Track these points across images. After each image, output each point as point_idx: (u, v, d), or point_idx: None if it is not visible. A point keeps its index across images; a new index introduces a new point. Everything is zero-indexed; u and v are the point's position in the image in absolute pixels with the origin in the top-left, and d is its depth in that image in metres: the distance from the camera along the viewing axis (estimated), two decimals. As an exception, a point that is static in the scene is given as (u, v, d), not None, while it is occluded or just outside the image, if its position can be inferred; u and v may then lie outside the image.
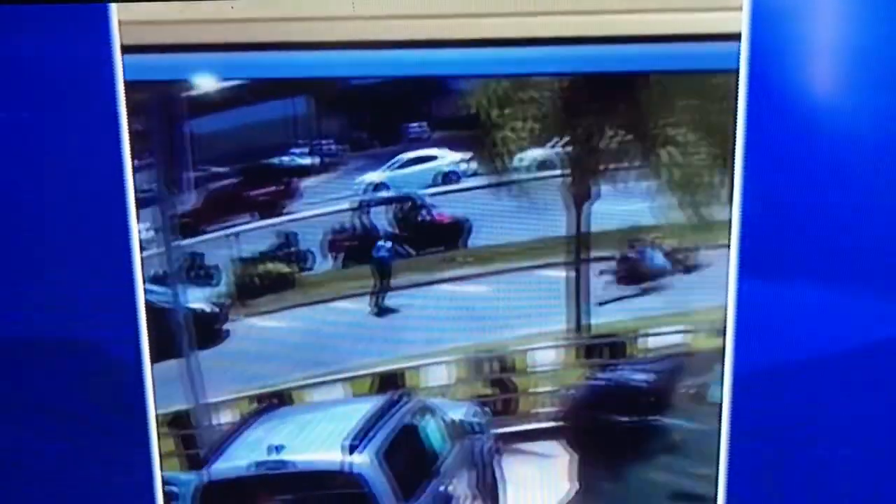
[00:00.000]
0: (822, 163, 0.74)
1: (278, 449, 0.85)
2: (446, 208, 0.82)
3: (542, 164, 0.79)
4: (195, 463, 0.87)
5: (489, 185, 0.80)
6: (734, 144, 0.74)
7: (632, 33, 0.73)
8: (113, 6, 0.76)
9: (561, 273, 0.82)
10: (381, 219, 0.82)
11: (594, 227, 0.80)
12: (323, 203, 0.81)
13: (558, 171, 0.79)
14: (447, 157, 0.80)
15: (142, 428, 0.85)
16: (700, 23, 0.72)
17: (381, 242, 0.83)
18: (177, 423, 0.85)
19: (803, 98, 0.73)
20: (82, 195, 0.80)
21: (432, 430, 0.86)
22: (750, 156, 0.74)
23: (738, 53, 0.72)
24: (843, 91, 0.73)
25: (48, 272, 0.82)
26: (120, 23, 0.76)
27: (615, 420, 0.84)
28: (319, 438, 0.86)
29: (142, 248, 0.81)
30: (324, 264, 0.82)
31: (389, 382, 0.85)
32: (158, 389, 0.84)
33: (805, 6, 0.71)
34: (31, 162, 0.80)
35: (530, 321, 0.83)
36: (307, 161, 0.80)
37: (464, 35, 0.74)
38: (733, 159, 0.75)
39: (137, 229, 0.81)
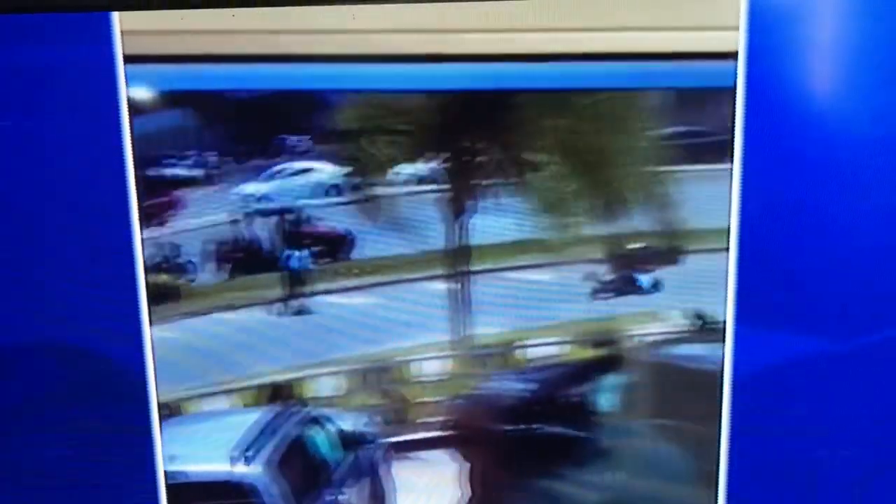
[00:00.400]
0: (816, 174, 0.75)
1: (171, 459, 0.86)
2: (330, 220, 0.83)
3: (421, 179, 0.81)
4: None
5: (371, 198, 0.82)
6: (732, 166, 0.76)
7: (626, 50, 0.75)
8: (115, 14, 0.78)
9: (444, 285, 0.83)
10: (266, 230, 0.84)
11: (474, 241, 0.82)
12: (206, 214, 0.83)
13: (436, 186, 0.81)
14: (329, 170, 0.82)
15: (146, 432, 0.86)
16: (696, 41, 0.74)
17: (288, 252, 0.84)
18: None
19: (800, 121, 0.74)
20: (84, 201, 0.82)
21: (323, 440, 0.88)
22: (748, 169, 0.76)
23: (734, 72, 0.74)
24: (843, 116, 0.74)
25: (50, 277, 0.83)
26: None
27: (501, 428, 0.86)
28: (211, 448, 0.87)
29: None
30: (210, 275, 0.84)
31: (280, 393, 0.86)
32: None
33: (802, 26, 0.73)
34: (35, 168, 0.81)
35: (416, 332, 0.85)
36: (190, 172, 0.81)
37: (455, 50, 0.77)
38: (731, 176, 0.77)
39: (140, 234, 0.82)
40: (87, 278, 0.83)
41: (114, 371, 0.85)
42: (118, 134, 0.80)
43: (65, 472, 0.88)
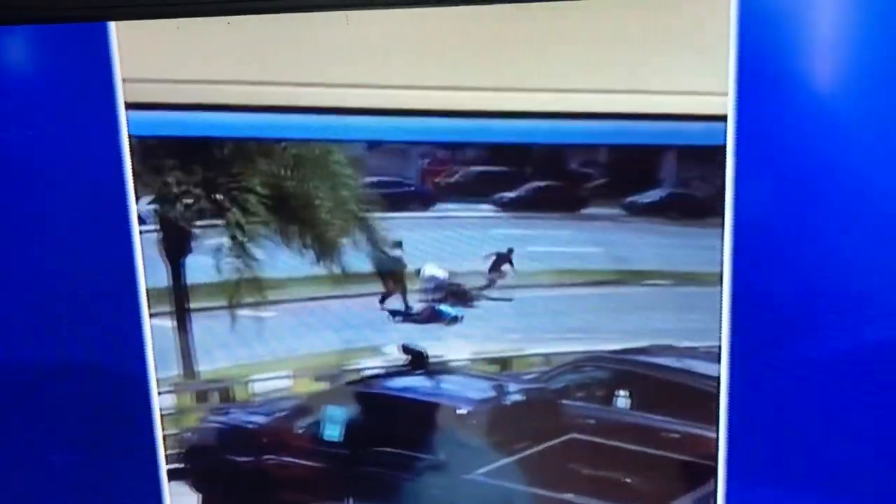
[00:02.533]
0: (805, 215, 0.76)
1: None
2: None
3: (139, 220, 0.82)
4: None
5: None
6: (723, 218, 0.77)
7: (624, 111, 0.76)
8: (112, 24, 0.77)
9: (167, 322, 0.85)
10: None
11: (191, 280, 0.84)
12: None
13: (151, 227, 0.82)
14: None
15: (150, 446, 0.87)
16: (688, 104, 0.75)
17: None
18: None
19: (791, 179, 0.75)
20: (86, 215, 0.82)
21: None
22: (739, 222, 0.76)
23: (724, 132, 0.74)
24: (832, 175, 0.74)
25: (52, 293, 0.84)
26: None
27: (232, 460, 0.89)
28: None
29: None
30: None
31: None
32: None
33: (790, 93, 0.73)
34: (36, 181, 0.82)
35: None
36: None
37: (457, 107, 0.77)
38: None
39: (141, 247, 0.82)
40: (89, 293, 0.83)
41: (116, 383, 0.86)
42: (117, 144, 0.80)
43: (70, 483, 0.88)
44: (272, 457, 0.88)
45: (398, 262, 0.82)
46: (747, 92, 0.73)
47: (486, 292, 0.82)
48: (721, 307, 0.78)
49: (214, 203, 0.81)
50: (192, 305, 0.84)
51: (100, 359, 0.85)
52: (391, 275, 0.83)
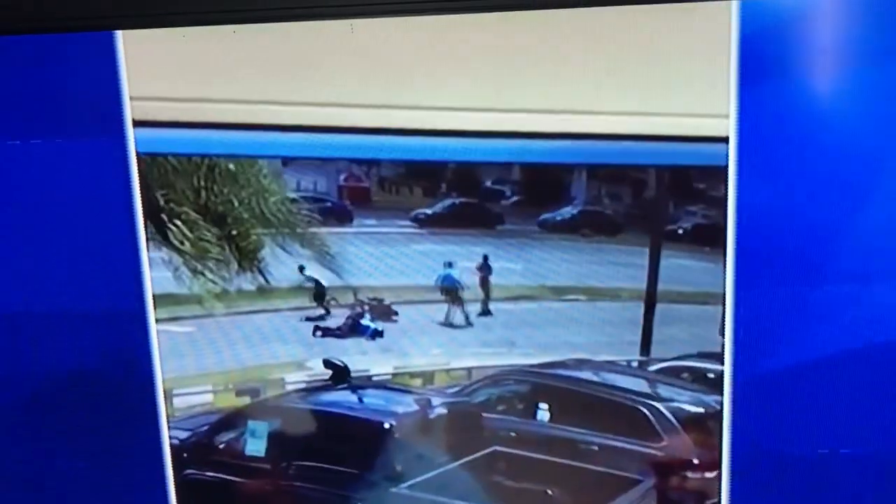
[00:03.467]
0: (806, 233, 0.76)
1: None
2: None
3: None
4: None
5: None
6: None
7: (626, 132, 0.76)
8: (119, 33, 0.78)
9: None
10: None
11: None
12: None
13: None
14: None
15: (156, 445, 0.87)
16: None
17: None
18: None
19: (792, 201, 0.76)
20: (92, 216, 0.82)
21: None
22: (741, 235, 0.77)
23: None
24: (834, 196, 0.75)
25: (58, 292, 0.84)
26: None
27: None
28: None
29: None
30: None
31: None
32: None
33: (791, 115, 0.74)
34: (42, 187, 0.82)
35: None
36: None
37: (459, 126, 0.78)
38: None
39: (147, 249, 0.83)
40: (95, 292, 0.84)
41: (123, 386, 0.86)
42: (125, 152, 0.81)
43: (76, 486, 0.88)
44: (194, 472, 0.88)
45: (319, 277, 0.83)
46: (748, 113, 0.74)
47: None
48: (723, 325, 0.78)
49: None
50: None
51: (106, 367, 0.86)
52: (312, 290, 0.84)
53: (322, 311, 0.84)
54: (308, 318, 0.84)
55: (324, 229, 0.82)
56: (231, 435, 0.87)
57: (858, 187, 0.75)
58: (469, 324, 0.82)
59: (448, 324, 0.83)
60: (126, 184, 0.82)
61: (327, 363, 0.85)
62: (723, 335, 0.78)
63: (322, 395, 0.86)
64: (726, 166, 0.75)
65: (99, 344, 0.85)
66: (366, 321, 0.84)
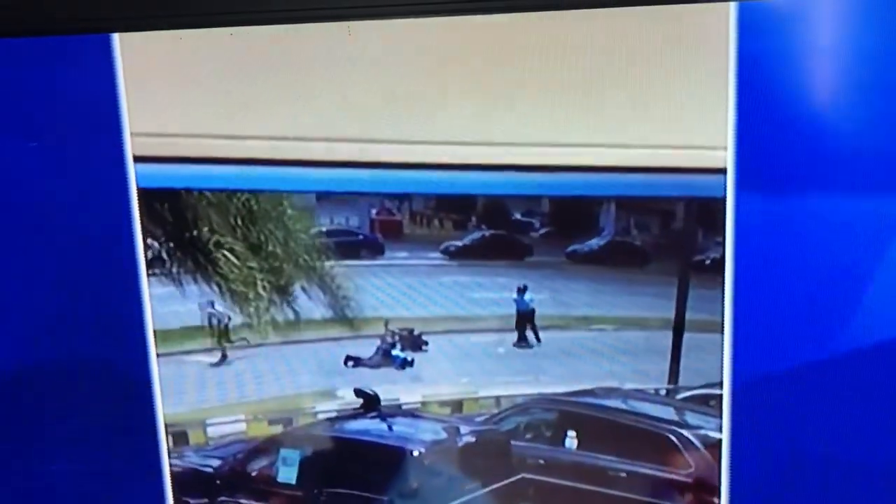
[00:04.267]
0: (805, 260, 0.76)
1: None
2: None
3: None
4: None
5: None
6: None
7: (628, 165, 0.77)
8: (116, 36, 0.78)
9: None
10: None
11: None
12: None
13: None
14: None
15: (153, 449, 0.88)
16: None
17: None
18: None
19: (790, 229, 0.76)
20: (90, 219, 0.83)
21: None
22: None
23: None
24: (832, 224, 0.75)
25: (56, 297, 0.85)
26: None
27: (188, 503, 0.90)
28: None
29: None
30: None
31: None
32: None
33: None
34: (39, 188, 0.83)
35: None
36: None
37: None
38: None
39: (144, 253, 0.83)
40: (93, 297, 0.84)
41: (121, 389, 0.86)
42: (121, 150, 0.81)
43: (74, 488, 0.89)
44: (227, 499, 0.89)
45: (350, 309, 0.84)
46: (746, 144, 0.74)
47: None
48: (722, 352, 0.79)
49: (168, 251, 0.84)
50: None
51: (104, 370, 0.86)
52: (344, 321, 0.85)
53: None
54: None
55: (356, 262, 0.83)
56: (263, 463, 0.89)
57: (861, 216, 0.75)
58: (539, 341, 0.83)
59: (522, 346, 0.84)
60: (123, 187, 0.82)
61: (358, 392, 0.86)
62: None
63: (353, 424, 0.88)
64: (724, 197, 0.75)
65: (96, 346, 0.86)
66: (396, 351, 0.85)
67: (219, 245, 0.84)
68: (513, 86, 0.77)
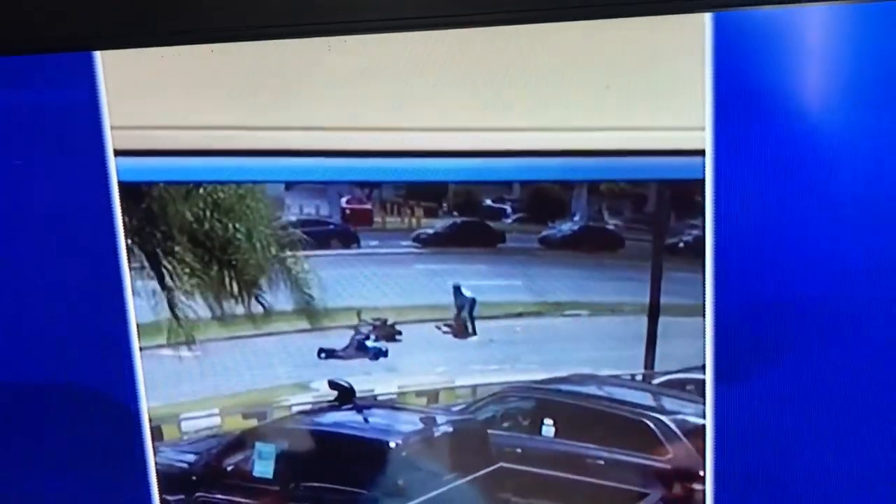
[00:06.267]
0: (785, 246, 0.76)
1: None
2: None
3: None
4: None
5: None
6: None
7: (603, 148, 0.76)
8: (98, 54, 0.78)
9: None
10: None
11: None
12: None
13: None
14: None
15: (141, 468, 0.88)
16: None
17: None
18: None
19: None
20: (74, 238, 0.83)
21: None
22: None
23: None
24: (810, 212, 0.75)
25: (42, 318, 0.85)
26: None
27: (163, 498, 0.89)
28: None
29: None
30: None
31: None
32: None
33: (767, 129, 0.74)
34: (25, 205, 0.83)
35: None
36: None
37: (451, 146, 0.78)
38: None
39: (129, 272, 0.83)
40: (79, 317, 0.84)
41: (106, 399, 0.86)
42: (104, 169, 0.81)
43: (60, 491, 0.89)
44: (203, 495, 0.89)
45: (322, 299, 0.84)
46: (724, 126, 0.74)
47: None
48: (704, 338, 0.79)
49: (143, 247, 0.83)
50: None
51: (91, 386, 0.86)
52: (314, 312, 0.84)
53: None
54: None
55: (327, 252, 0.83)
56: (239, 457, 0.88)
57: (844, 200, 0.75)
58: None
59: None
60: (107, 202, 0.82)
61: (332, 384, 0.86)
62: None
63: (328, 416, 0.87)
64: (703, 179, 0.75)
65: (82, 362, 0.86)
66: (370, 342, 0.84)
67: (188, 238, 0.83)
68: (481, 71, 0.76)
